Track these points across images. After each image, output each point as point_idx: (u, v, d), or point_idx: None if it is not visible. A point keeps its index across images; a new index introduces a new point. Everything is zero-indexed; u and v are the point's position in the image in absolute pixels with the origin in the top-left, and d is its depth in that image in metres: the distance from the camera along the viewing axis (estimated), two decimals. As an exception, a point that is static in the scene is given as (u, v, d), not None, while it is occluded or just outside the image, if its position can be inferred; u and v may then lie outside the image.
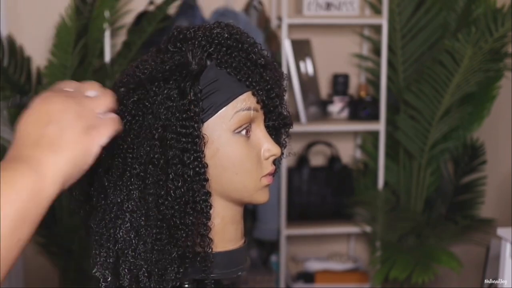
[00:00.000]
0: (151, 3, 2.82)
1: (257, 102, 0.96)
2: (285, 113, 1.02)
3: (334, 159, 3.13)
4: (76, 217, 2.50)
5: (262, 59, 0.97)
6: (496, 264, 2.25)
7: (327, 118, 3.05)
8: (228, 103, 0.94)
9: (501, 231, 2.00)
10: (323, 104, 3.07)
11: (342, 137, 3.23)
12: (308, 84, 3.02)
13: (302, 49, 3.02)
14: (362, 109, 3.01)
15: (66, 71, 2.50)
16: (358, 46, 3.21)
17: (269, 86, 0.97)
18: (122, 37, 2.83)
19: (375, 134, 3.07)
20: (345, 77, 3.09)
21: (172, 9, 2.81)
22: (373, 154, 3.09)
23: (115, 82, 0.98)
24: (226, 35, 0.95)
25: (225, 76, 0.95)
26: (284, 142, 1.05)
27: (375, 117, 2.99)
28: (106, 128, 0.78)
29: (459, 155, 3.01)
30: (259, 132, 0.98)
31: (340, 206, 3.06)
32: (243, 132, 0.95)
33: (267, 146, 0.98)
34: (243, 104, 0.95)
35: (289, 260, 3.17)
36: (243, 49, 0.96)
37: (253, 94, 0.96)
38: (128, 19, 2.82)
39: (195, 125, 0.91)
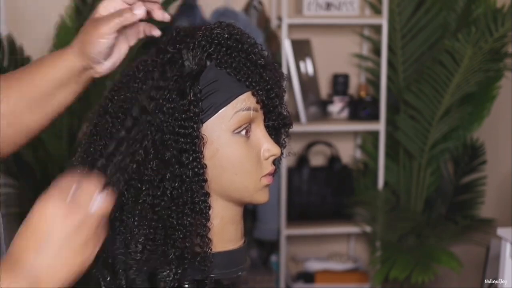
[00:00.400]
0: (151, 3, 2.82)
1: (257, 102, 0.96)
2: (284, 113, 1.02)
3: (334, 159, 3.13)
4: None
5: (262, 59, 0.97)
6: (496, 264, 2.25)
7: (327, 118, 3.05)
8: (228, 103, 0.94)
9: (501, 231, 2.00)
10: (323, 104, 3.07)
11: (342, 137, 3.23)
12: (308, 84, 3.02)
13: (302, 49, 3.02)
14: (362, 109, 3.01)
15: (66, 71, 2.49)
16: (358, 46, 3.21)
17: (268, 86, 0.97)
18: (122, 37, 2.83)
19: (375, 134, 3.07)
20: (345, 77, 3.09)
21: (172, 9, 2.81)
22: (373, 154, 3.09)
23: (114, 82, 0.98)
24: (226, 35, 0.95)
25: (224, 76, 0.95)
26: (284, 142, 1.05)
27: (375, 117, 2.99)
28: (100, 239, 0.82)
29: (459, 155, 3.01)
30: (259, 132, 0.98)
31: (340, 206, 3.06)
32: (243, 132, 0.95)
33: (267, 146, 0.98)
34: (243, 104, 0.95)
35: (289, 260, 3.17)
36: (243, 50, 0.95)
37: (253, 94, 0.96)
38: (128, 19, 2.82)
39: (194, 126, 0.91)
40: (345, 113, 3.03)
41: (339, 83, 3.07)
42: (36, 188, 2.64)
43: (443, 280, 3.06)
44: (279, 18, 2.95)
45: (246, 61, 0.95)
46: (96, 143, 0.95)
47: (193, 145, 0.91)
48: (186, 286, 0.98)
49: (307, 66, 3.03)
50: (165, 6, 2.70)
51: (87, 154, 0.95)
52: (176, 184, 0.91)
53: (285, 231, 2.95)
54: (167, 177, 0.91)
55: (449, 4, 2.92)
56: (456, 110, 2.84)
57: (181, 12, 2.81)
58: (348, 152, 3.24)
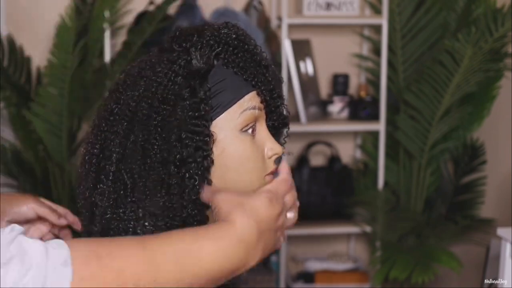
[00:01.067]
0: (151, 3, 2.82)
1: (261, 102, 0.98)
2: (285, 114, 1.04)
3: (334, 159, 3.13)
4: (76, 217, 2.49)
5: (265, 60, 0.99)
6: (496, 264, 2.25)
7: (327, 118, 3.05)
8: (235, 102, 0.96)
9: (501, 231, 2.01)
10: (323, 104, 3.07)
11: (342, 137, 3.23)
12: (308, 84, 3.01)
13: (302, 49, 3.02)
14: (362, 109, 3.01)
15: (66, 71, 2.50)
16: (358, 46, 3.21)
17: (272, 86, 0.99)
18: (122, 37, 2.83)
19: (375, 134, 3.07)
20: (345, 77, 3.09)
21: (172, 9, 2.81)
22: (373, 154, 3.09)
23: (117, 82, 0.98)
24: (233, 36, 0.97)
25: (231, 75, 0.96)
26: (284, 141, 1.07)
27: (375, 117, 2.99)
28: (280, 244, 0.96)
29: (459, 155, 3.01)
30: (263, 131, 0.99)
31: (340, 206, 3.06)
32: (249, 131, 0.97)
33: (271, 145, 0.99)
34: (249, 103, 0.96)
35: (289, 260, 3.16)
36: (249, 50, 0.97)
37: (258, 94, 0.98)
38: (128, 19, 2.82)
39: (207, 124, 0.93)
40: (345, 113, 3.03)
41: (339, 83, 3.07)
42: (36, 188, 2.64)
43: (443, 280, 3.06)
44: (279, 18, 2.95)
45: (251, 61, 0.97)
46: (100, 144, 0.95)
47: (206, 143, 0.93)
48: None
49: (307, 66, 3.03)
50: (165, 6, 2.70)
51: (90, 157, 0.97)
52: (196, 182, 0.92)
53: (285, 231, 2.94)
54: (187, 175, 0.92)
55: (449, 4, 2.92)
56: (456, 110, 2.84)
57: (181, 12, 2.81)
58: (348, 152, 3.24)
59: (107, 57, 2.74)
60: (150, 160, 0.92)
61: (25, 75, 2.72)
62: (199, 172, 0.93)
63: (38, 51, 2.82)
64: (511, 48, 2.73)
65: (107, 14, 2.66)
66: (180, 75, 0.93)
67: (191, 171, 0.92)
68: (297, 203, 0.97)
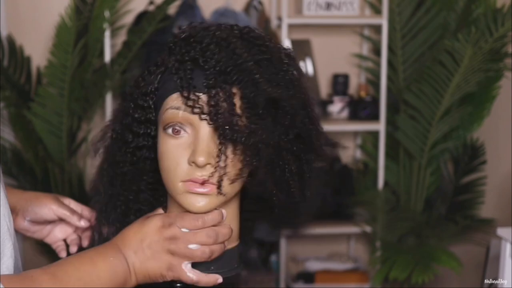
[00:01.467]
0: (151, 3, 2.82)
1: (194, 105, 0.94)
2: (220, 122, 0.94)
3: (334, 159, 3.13)
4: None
5: (219, 64, 0.94)
6: (496, 264, 2.25)
7: (327, 118, 3.05)
8: (164, 99, 0.98)
9: (501, 231, 2.01)
10: (323, 104, 3.07)
11: (342, 137, 3.23)
12: (308, 84, 3.01)
13: (302, 49, 3.02)
14: (362, 109, 3.01)
15: (66, 71, 2.50)
16: (358, 46, 3.21)
17: (213, 93, 0.94)
18: (122, 37, 2.84)
19: (375, 134, 3.07)
20: (345, 77, 3.09)
21: (172, 9, 2.81)
22: (373, 154, 3.09)
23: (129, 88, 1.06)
24: (183, 35, 0.98)
25: (170, 75, 0.98)
26: (238, 155, 0.96)
27: (375, 117, 2.99)
28: (181, 274, 0.96)
29: (459, 155, 3.01)
30: (196, 136, 0.95)
31: (340, 206, 3.06)
32: (169, 130, 0.96)
33: (193, 152, 0.94)
34: (172, 103, 0.96)
35: (289, 260, 3.17)
36: (196, 51, 0.96)
37: (183, 96, 0.95)
38: (128, 19, 2.82)
39: (148, 115, 1.00)
40: (345, 113, 3.03)
41: (339, 83, 3.07)
42: (36, 188, 2.64)
43: (443, 280, 3.06)
44: (279, 18, 2.95)
45: (188, 62, 0.96)
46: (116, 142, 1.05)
47: (149, 132, 1.01)
48: (179, 285, 0.98)
49: (307, 66, 3.03)
50: (165, 6, 2.70)
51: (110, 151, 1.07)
52: (139, 166, 1.04)
53: (285, 231, 2.94)
54: (134, 159, 1.03)
55: (449, 4, 2.92)
56: (456, 110, 2.84)
57: (181, 12, 2.81)
58: (348, 152, 3.24)
59: (107, 57, 2.74)
60: (110, 140, 1.05)
61: (25, 75, 2.72)
62: (146, 160, 1.03)
63: (38, 51, 2.82)
64: (511, 48, 2.73)
65: (107, 14, 2.66)
66: (151, 73, 1.00)
67: (137, 154, 1.02)
68: (216, 247, 0.98)
